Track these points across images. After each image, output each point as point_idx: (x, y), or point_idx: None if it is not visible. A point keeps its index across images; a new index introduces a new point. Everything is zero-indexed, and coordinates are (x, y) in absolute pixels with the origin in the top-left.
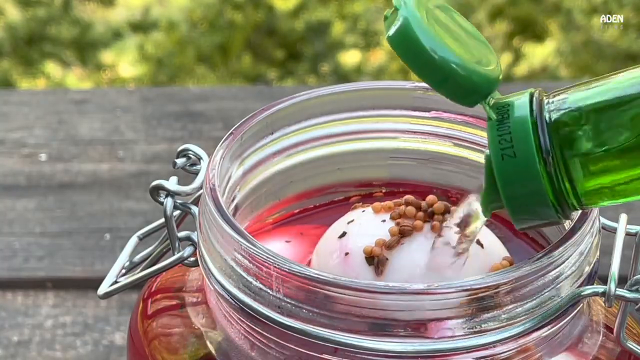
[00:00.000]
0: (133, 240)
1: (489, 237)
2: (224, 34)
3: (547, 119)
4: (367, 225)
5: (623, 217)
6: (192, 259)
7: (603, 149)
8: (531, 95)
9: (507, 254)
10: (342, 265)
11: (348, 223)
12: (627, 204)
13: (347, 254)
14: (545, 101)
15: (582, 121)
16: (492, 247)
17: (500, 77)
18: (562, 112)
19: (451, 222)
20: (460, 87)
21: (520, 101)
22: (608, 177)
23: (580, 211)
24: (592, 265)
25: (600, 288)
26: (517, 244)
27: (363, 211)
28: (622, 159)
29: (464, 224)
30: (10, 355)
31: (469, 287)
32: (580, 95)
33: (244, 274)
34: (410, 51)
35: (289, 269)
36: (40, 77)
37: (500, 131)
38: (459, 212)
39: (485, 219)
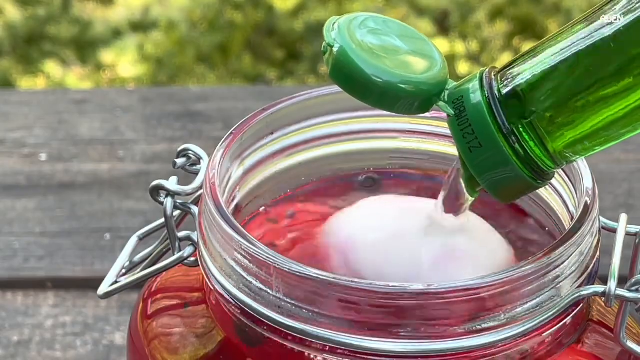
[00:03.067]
0: (133, 240)
1: (492, 237)
2: (223, 34)
3: (498, 96)
4: (366, 221)
5: (623, 217)
6: (192, 259)
7: (558, 110)
8: (481, 77)
9: (510, 254)
10: (344, 259)
11: (348, 217)
12: (627, 204)
13: (347, 249)
14: (495, 79)
15: (532, 89)
16: (494, 246)
17: (447, 73)
18: (513, 85)
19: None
20: (415, 103)
21: (472, 88)
22: (573, 132)
23: (560, 168)
24: (592, 265)
25: (600, 288)
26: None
27: (361, 207)
28: (577, 114)
29: (456, 197)
30: (10, 355)
31: (469, 287)
32: (527, 65)
33: (244, 274)
34: (354, 83)
35: (289, 269)
36: (40, 76)
37: (461, 125)
38: (447, 190)
39: (473, 198)
